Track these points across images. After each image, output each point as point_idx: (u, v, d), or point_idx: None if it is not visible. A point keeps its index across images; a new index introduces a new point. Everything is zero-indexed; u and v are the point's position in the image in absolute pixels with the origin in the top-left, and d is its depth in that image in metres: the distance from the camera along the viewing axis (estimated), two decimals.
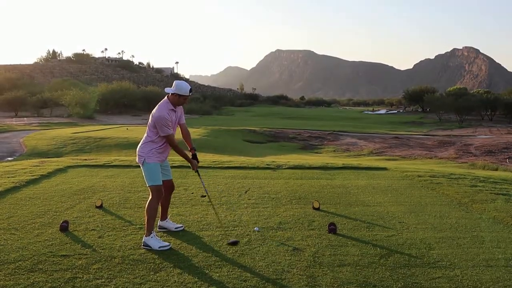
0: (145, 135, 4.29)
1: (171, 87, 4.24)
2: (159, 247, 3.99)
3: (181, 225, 4.71)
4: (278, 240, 4.33)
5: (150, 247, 3.99)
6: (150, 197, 4.20)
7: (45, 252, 3.84)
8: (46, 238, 4.22)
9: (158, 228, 4.56)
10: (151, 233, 4.08)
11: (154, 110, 4.23)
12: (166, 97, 4.28)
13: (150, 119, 4.24)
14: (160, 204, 4.42)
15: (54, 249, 3.91)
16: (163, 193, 4.32)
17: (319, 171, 8.70)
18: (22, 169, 8.03)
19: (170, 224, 4.64)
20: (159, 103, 4.28)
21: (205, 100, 73.20)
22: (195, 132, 23.34)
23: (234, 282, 3.33)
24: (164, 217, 4.62)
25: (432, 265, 3.76)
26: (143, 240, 4.08)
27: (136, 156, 4.30)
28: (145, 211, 4.17)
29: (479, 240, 4.46)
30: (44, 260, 3.66)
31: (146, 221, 4.14)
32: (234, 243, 4.17)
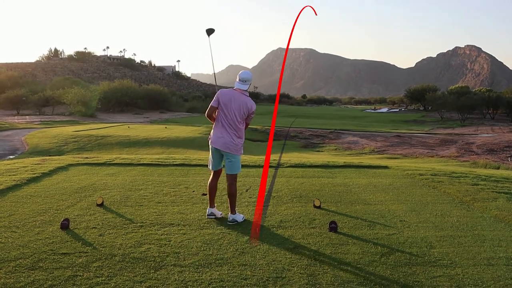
0: (233, 129, 4.69)
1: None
2: (242, 219, 4.84)
3: (220, 212, 5.11)
4: (278, 238, 4.33)
5: (237, 221, 4.75)
6: (232, 182, 4.83)
7: (45, 250, 3.84)
8: (47, 236, 4.22)
9: (208, 216, 4.92)
10: (236, 211, 4.85)
11: (244, 101, 4.62)
12: (240, 90, 4.67)
13: (239, 112, 4.63)
14: (209, 191, 4.98)
15: (54, 247, 3.92)
16: None
17: (320, 169, 8.70)
18: (24, 167, 8.04)
19: (217, 211, 5.03)
20: (241, 94, 4.67)
21: (207, 98, 73.20)
22: (196, 131, 23.35)
23: (235, 280, 3.33)
24: (213, 204, 5.01)
25: (433, 264, 3.75)
26: (230, 218, 4.77)
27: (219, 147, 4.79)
28: (231, 195, 4.79)
29: (480, 239, 4.45)
30: (44, 258, 3.66)
31: (232, 202, 4.79)
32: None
